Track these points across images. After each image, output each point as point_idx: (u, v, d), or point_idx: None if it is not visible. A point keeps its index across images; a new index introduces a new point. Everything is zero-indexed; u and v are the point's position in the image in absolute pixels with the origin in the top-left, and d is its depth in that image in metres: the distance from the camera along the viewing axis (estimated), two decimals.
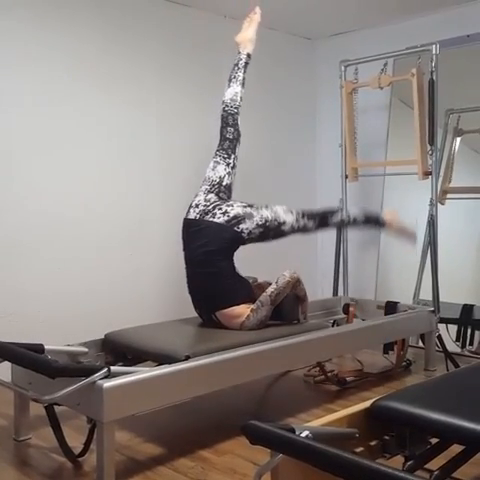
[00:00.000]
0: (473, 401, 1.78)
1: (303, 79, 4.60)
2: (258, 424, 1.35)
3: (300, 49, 4.57)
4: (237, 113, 3.08)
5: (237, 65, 3.11)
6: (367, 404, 1.76)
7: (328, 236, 4.20)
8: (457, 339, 3.72)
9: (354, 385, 3.16)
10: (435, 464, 1.65)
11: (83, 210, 3.43)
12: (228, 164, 3.00)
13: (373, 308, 3.70)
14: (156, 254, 3.72)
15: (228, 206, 2.87)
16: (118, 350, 2.71)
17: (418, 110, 3.57)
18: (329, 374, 3.16)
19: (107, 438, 2.00)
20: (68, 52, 3.35)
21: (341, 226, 3.07)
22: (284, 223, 2.91)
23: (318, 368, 3.19)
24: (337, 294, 4.05)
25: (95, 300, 3.44)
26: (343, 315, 3.82)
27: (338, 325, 3.74)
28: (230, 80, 3.11)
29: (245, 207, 2.88)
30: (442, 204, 3.87)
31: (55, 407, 2.24)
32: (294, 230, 2.94)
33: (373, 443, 1.70)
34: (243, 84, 3.10)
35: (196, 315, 2.93)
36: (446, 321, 3.65)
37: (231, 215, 2.84)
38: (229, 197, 2.99)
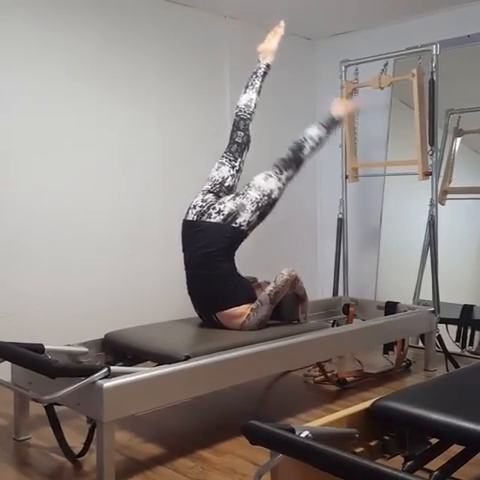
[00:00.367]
0: (473, 401, 1.78)
1: (303, 79, 4.60)
2: (258, 424, 1.35)
3: (300, 49, 4.57)
4: (249, 119, 3.10)
5: (255, 73, 3.17)
6: (367, 404, 1.76)
7: (328, 236, 4.20)
8: (457, 339, 3.72)
9: (354, 385, 3.15)
10: (435, 464, 1.65)
11: (83, 210, 3.43)
12: (233, 167, 3.01)
13: (373, 308, 3.70)
14: (156, 254, 3.72)
15: (220, 204, 2.87)
16: (118, 350, 2.71)
17: (418, 110, 3.57)
18: (329, 374, 3.16)
19: (107, 438, 2.00)
20: (68, 52, 3.35)
21: (315, 151, 3.14)
22: (272, 192, 2.93)
23: (318, 368, 3.19)
24: (337, 294, 4.05)
25: (95, 300, 3.44)
26: (343, 315, 3.83)
27: (338, 325, 3.74)
28: (247, 87, 3.15)
29: (234, 199, 2.88)
30: (442, 204, 3.87)
31: (55, 407, 2.24)
32: (282, 190, 2.98)
33: (373, 443, 1.70)
34: (259, 92, 3.15)
35: (196, 315, 2.93)
36: (446, 321, 3.65)
37: (226, 213, 2.84)
38: None
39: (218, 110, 4.05)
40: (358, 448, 1.65)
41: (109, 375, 2.05)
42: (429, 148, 3.59)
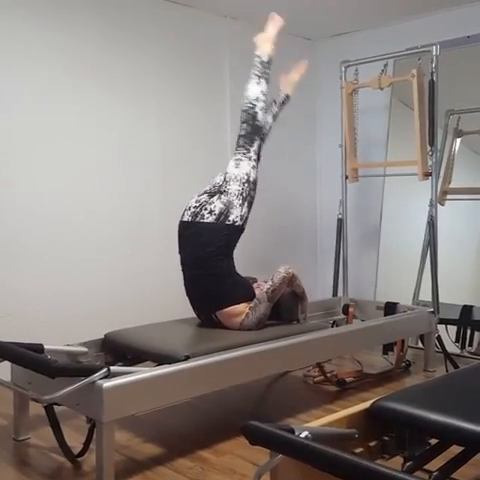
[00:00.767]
0: (472, 402, 1.78)
1: (303, 79, 4.59)
2: (258, 424, 1.35)
3: (300, 50, 4.56)
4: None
5: (275, 101, 3.32)
6: (366, 405, 1.76)
7: (328, 236, 4.20)
8: (456, 340, 3.71)
9: (353, 386, 3.16)
10: (434, 465, 1.65)
11: (83, 210, 3.43)
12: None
13: (373, 309, 3.70)
14: (156, 254, 3.73)
15: (210, 204, 2.87)
16: (118, 350, 2.71)
17: (418, 111, 3.57)
18: (329, 374, 3.16)
19: (107, 438, 2.00)
20: (68, 52, 3.35)
21: (270, 110, 3.23)
22: (248, 175, 2.95)
23: (318, 368, 3.19)
24: (337, 295, 4.05)
25: (95, 300, 3.45)
26: (343, 316, 3.82)
27: (338, 326, 3.74)
28: (266, 111, 3.16)
29: (220, 198, 2.88)
30: (442, 205, 3.87)
31: (55, 407, 2.24)
32: (256, 167, 3.00)
33: (372, 444, 1.71)
34: (274, 117, 3.29)
35: (196, 315, 2.94)
36: (446, 322, 3.65)
37: (217, 212, 2.84)
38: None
39: (218, 110, 4.06)
40: (358, 448, 1.66)
41: (109, 375, 2.05)
42: (429, 149, 3.59)
